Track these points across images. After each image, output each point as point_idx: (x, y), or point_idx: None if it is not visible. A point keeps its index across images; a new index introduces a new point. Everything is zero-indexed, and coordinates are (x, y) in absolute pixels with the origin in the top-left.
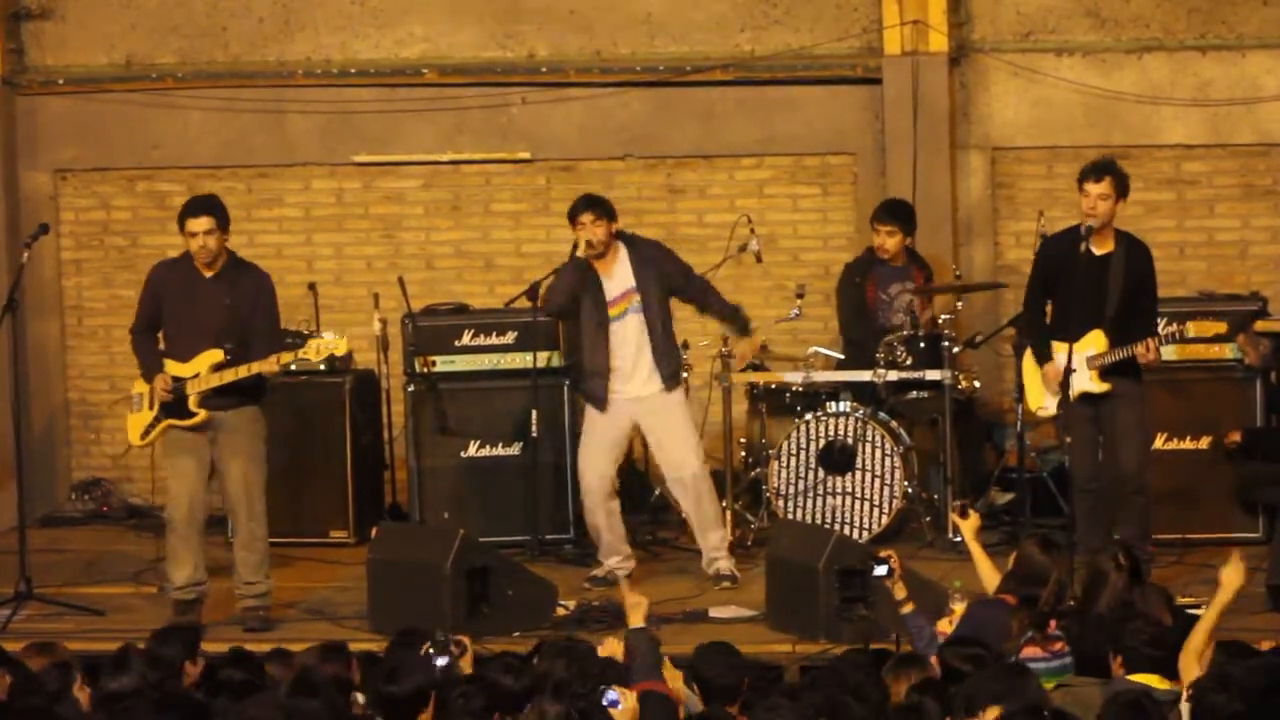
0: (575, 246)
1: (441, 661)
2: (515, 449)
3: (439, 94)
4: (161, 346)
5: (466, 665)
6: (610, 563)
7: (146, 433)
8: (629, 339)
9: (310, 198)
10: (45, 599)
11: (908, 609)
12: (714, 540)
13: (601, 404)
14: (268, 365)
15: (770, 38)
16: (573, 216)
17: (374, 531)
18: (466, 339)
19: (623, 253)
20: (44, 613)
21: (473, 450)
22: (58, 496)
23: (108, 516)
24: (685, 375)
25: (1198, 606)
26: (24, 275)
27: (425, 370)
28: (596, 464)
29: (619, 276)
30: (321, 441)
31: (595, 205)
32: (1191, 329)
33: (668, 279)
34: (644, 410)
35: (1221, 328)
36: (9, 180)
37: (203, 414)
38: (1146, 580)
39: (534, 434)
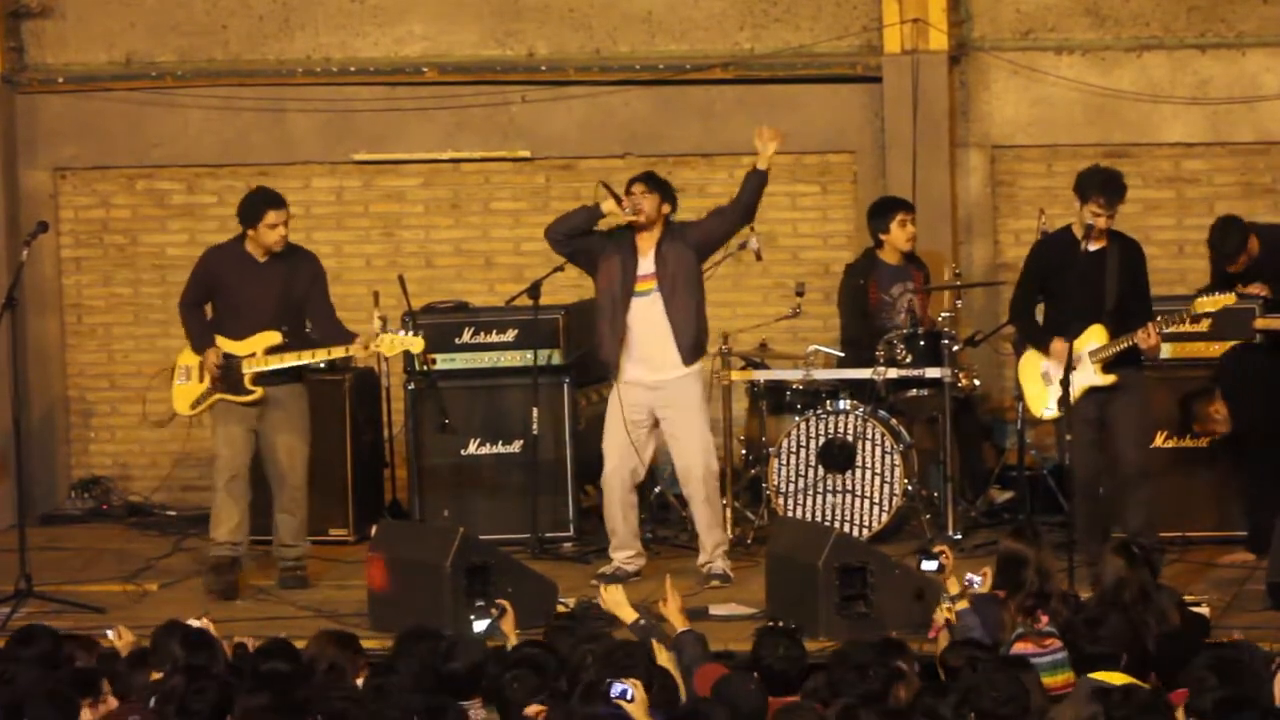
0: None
1: (483, 625)
2: (515, 447)
3: (439, 92)
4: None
5: (509, 628)
6: (619, 557)
7: (197, 404)
8: (651, 318)
9: (310, 196)
10: (45, 596)
11: (961, 605)
12: (713, 541)
13: (614, 370)
14: (351, 350)
15: (770, 36)
16: (628, 186)
17: (374, 529)
18: (466, 337)
19: (660, 237)
20: (44, 610)
21: (473, 448)
22: (57, 494)
23: (107, 514)
24: (707, 355)
25: (1199, 604)
26: (23, 273)
27: (425, 368)
28: (614, 454)
29: (651, 257)
30: (322, 439)
31: (648, 178)
32: (1197, 305)
33: (693, 250)
34: (662, 401)
35: (1230, 299)
36: (9, 178)
37: (259, 392)
38: (1159, 576)
39: (534, 432)
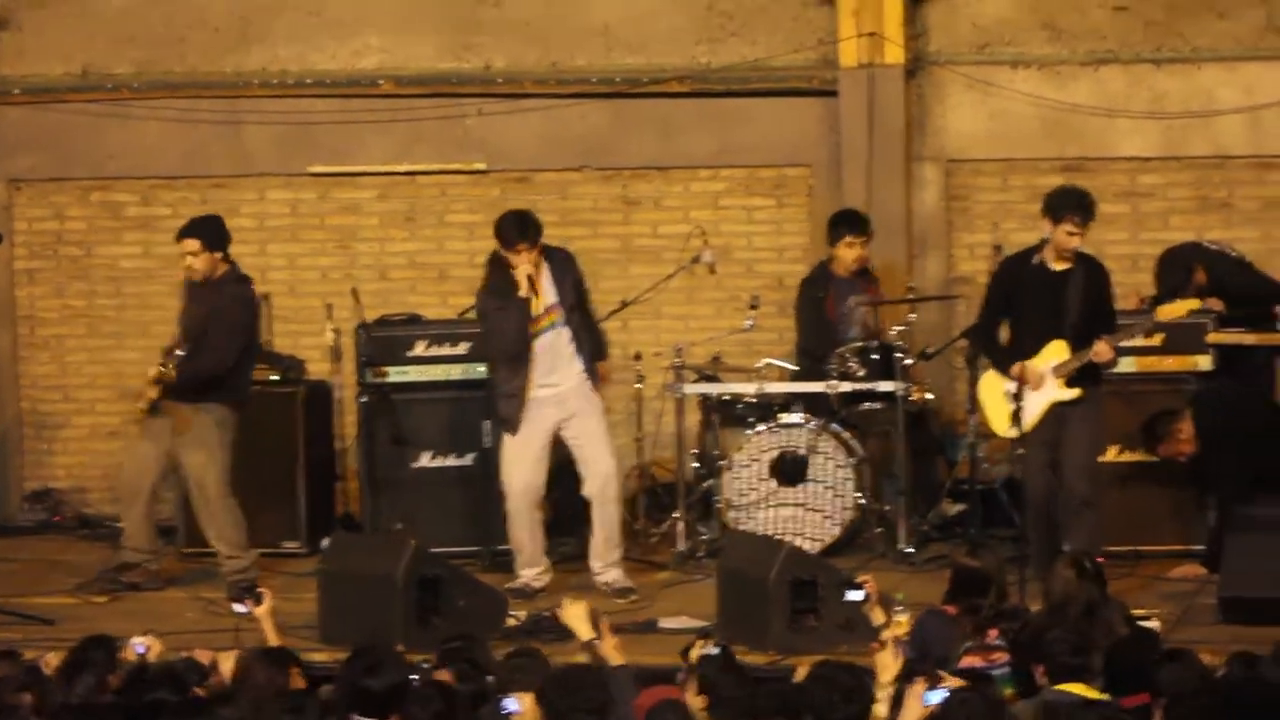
0: (512, 281)
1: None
2: (468, 459)
3: (395, 105)
4: None
5: (265, 614)
6: (527, 574)
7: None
8: (556, 350)
9: (265, 208)
10: None
11: (887, 634)
12: (612, 547)
13: (514, 427)
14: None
15: (726, 50)
16: (509, 243)
17: (325, 541)
18: (419, 350)
19: (549, 266)
20: None
21: (425, 461)
22: (10, 506)
23: (59, 526)
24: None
25: (1149, 619)
26: None
27: (378, 381)
28: (523, 474)
29: (543, 292)
30: (274, 452)
31: (530, 232)
32: (1160, 314)
33: (575, 287)
34: (566, 411)
35: (1195, 304)
36: None
37: (142, 404)
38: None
39: (486, 444)
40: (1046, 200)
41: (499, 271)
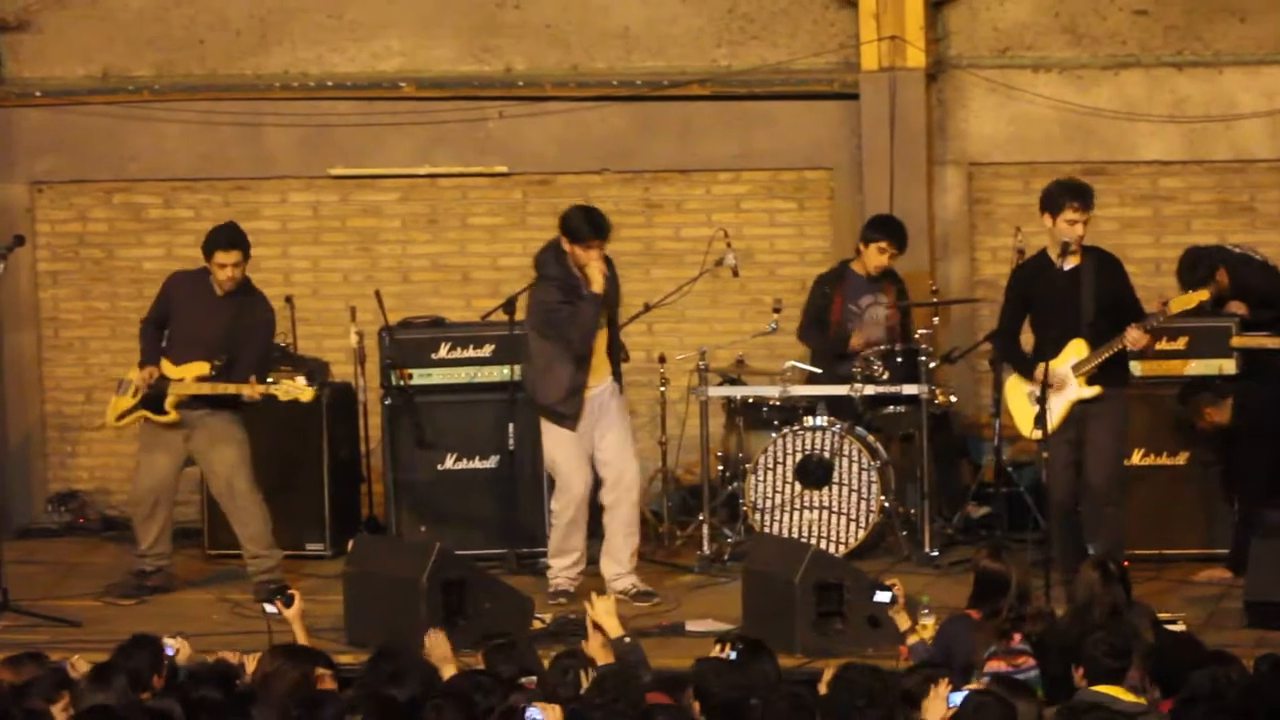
0: (585, 278)
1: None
2: (492, 462)
3: (416, 107)
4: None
5: (294, 617)
6: (575, 574)
7: (122, 416)
8: (601, 349)
9: (287, 211)
10: (21, 610)
11: (913, 638)
12: (628, 553)
13: (575, 422)
14: (248, 391)
15: (747, 52)
16: (581, 237)
17: (350, 544)
18: (443, 352)
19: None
20: (20, 624)
21: (450, 463)
22: (34, 508)
23: (84, 529)
24: None
25: (1174, 622)
26: None
27: (402, 383)
28: (584, 475)
29: (601, 285)
30: (299, 454)
31: (605, 227)
32: (1174, 305)
33: (617, 289)
34: (600, 412)
35: (1204, 295)
36: None
37: (174, 415)
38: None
39: (511, 447)
40: (1042, 198)
41: (560, 266)
